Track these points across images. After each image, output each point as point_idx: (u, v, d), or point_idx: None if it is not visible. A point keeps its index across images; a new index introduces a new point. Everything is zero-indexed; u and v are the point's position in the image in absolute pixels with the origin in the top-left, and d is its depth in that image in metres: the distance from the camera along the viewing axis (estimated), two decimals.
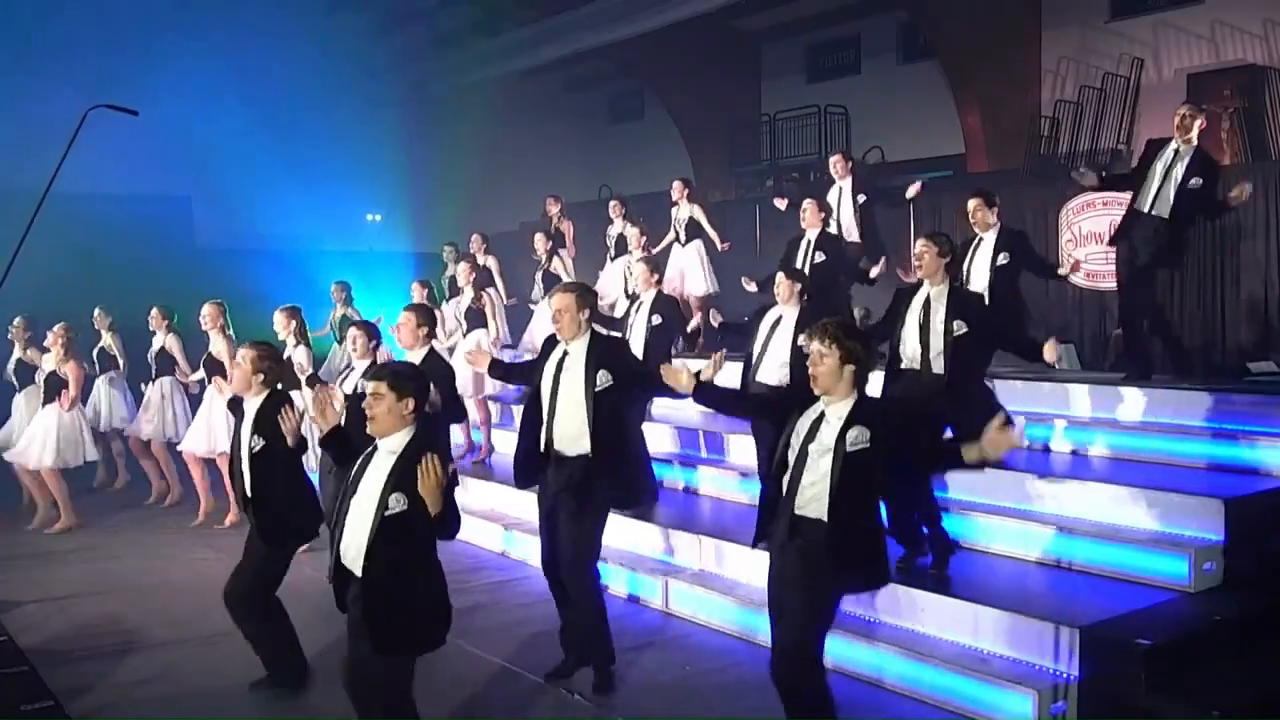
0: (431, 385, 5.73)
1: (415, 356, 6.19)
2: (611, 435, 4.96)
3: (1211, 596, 5.25)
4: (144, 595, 6.99)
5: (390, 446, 3.85)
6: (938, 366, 5.41)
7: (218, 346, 8.71)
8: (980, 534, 6.08)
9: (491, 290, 10.35)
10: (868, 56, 17.78)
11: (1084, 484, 6.11)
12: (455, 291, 10.72)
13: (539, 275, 10.73)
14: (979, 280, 6.82)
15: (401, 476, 3.78)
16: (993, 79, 15.20)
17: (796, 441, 4.02)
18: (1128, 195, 6.99)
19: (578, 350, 5.00)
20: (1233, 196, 6.73)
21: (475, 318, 9.59)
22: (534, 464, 5.11)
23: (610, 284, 10.70)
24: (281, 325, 8.06)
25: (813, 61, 18.74)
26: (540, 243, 10.67)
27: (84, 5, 14.17)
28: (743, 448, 7.77)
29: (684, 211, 10.58)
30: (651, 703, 5.07)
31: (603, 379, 4.92)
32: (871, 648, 5.23)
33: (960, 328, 5.34)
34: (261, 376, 5.08)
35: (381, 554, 3.76)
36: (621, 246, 10.64)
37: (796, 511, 3.98)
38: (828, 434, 3.96)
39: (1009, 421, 3.94)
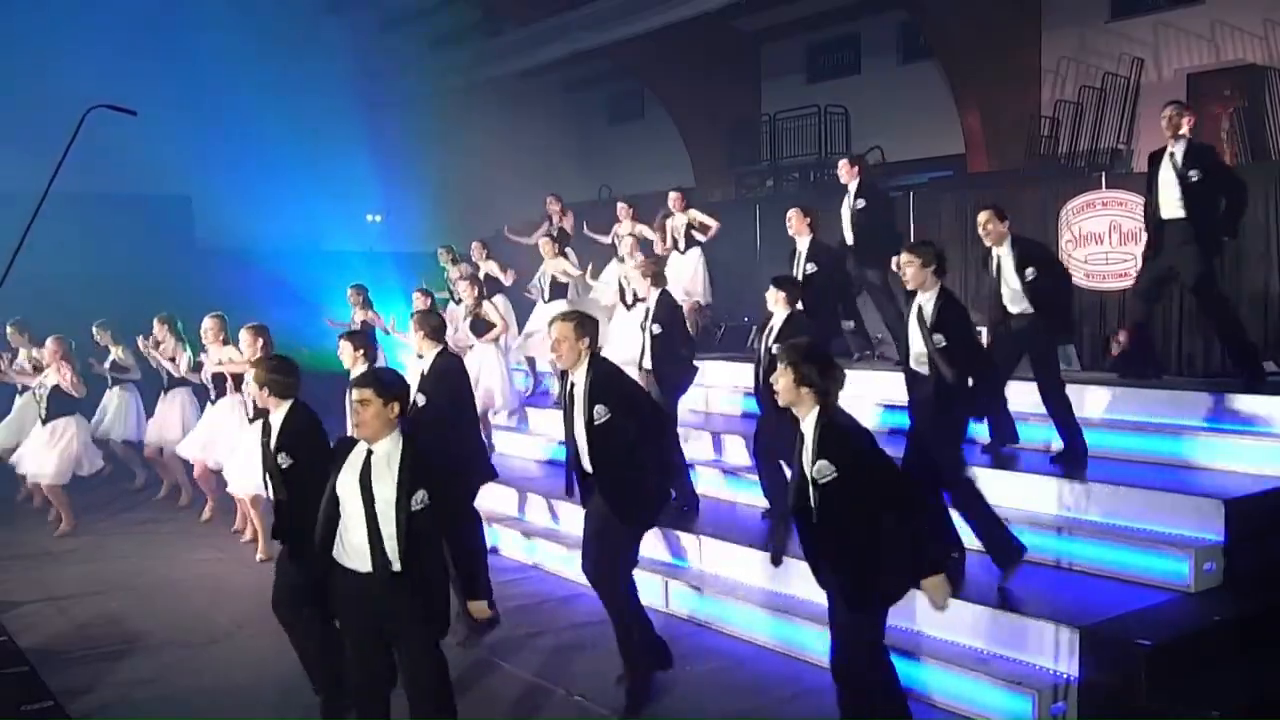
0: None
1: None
2: (610, 460, 4.92)
3: (1211, 597, 5.25)
4: (144, 595, 7.00)
5: (385, 449, 3.95)
6: (926, 370, 5.46)
7: (219, 358, 8.42)
8: None
9: (498, 299, 10.22)
10: (868, 56, 17.78)
11: (1084, 484, 6.10)
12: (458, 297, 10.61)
13: (543, 279, 10.56)
14: (1014, 301, 6.45)
15: (414, 476, 3.93)
16: (993, 79, 15.19)
17: (796, 465, 4.15)
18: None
19: (580, 380, 4.97)
20: None
21: (481, 326, 9.33)
22: (574, 479, 5.19)
23: (607, 289, 10.61)
24: (248, 344, 7.28)
25: (813, 61, 18.73)
26: (546, 247, 10.43)
27: (84, 5, 14.19)
28: (738, 448, 7.76)
29: (680, 220, 10.51)
30: (651, 703, 5.06)
31: (600, 413, 4.86)
32: None
33: (940, 341, 5.35)
34: (268, 390, 4.91)
35: (413, 547, 3.93)
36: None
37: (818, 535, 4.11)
38: (806, 461, 4.05)
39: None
